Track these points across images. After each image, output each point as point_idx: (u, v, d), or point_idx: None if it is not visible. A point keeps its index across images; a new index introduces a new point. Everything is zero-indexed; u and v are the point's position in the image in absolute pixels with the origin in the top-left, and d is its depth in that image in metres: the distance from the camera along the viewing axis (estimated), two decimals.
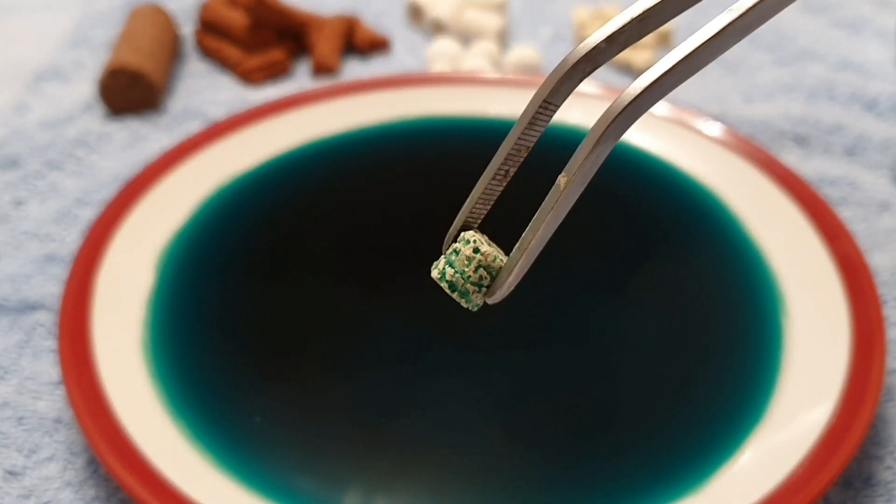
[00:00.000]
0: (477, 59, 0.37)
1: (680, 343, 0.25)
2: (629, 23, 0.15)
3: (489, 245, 0.15)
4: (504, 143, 0.15)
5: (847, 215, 0.30)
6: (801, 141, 0.33)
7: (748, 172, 0.29)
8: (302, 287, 0.27)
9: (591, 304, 0.27)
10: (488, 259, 0.15)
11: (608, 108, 0.14)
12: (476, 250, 0.15)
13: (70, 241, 0.29)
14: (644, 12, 0.15)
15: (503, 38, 0.39)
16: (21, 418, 0.24)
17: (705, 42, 0.14)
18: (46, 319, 0.27)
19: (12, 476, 0.23)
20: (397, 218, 0.30)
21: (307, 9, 0.40)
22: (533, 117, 0.15)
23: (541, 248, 0.15)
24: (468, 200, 0.16)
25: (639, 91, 0.14)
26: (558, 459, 0.22)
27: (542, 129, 0.15)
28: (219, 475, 0.21)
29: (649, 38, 0.38)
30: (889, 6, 0.42)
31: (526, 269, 0.15)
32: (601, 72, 0.37)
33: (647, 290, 0.27)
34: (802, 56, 0.38)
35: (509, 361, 0.25)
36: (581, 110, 0.32)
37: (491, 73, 0.35)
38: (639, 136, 0.32)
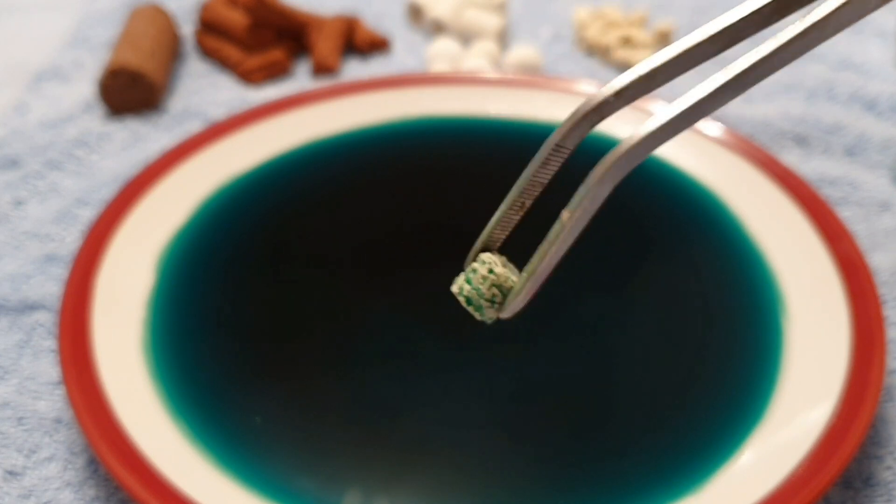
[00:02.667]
0: (477, 59, 0.37)
1: (680, 343, 0.25)
2: (636, 80, 0.17)
3: (504, 267, 0.17)
4: (519, 180, 0.17)
5: (847, 215, 0.30)
6: (801, 141, 0.33)
7: (748, 172, 0.29)
8: (302, 287, 0.27)
9: (590, 303, 0.27)
10: (501, 280, 0.17)
11: (609, 153, 0.16)
12: (491, 271, 0.17)
13: (70, 241, 0.29)
14: (650, 71, 0.17)
15: (503, 38, 0.39)
16: (21, 418, 0.24)
17: (702, 99, 0.16)
18: (46, 319, 0.27)
19: (12, 476, 0.23)
20: (397, 218, 0.30)
21: (307, 9, 0.40)
22: (546, 159, 0.17)
23: (547, 273, 0.17)
24: (487, 227, 0.18)
25: (637, 140, 0.16)
26: (558, 458, 0.22)
27: (555, 169, 0.17)
28: (219, 475, 0.21)
29: (650, 39, 0.38)
30: (889, 6, 0.42)
31: (534, 291, 0.17)
32: (601, 72, 0.37)
33: (647, 291, 0.27)
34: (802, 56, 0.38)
35: (509, 361, 0.25)
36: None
37: (491, 73, 0.35)
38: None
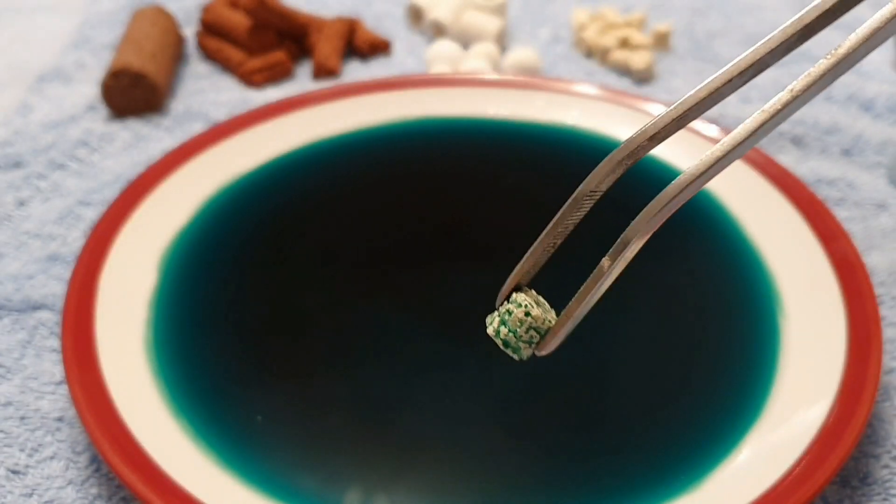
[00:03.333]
0: (476, 60, 0.37)
1: (677, 342, 0.25)
2: (669, 124, 0.17)
3: (538, 307, 0.17)
4: (552, 222, 0.18)
5: (844, 215, 0.30)
6: (798, 141, 0.34)
7: (745, 173, 0.29)
8: (303, 286, 0.27)
9: (593, 306, 0.27)
10: (538, 321, 0.17)
11: (646, 208, 0.17)
12: (527, 314, 0.17)
13: (72, 240, 0.30)
14: (682, 113, 0.17)
15: (502, 40, 0.39)
16: (23, 417, 0.24)
17: (737, 144, 0.17)
18: (49, 319, 0.27)
19: (15, 475, 0.23)
20: (398, 218, 0.30)
21: (308, 10, 0.40)
22: (580, 202, 0.18)
23: (584, 314, 0.17)
24: (519, 265, 0.18)
25: (672, 194, 0.17)
26: (556, 456, 0.23)
27: (587, 210, 0.18)
28: (221, 473, 0.21)
29: (647, 40, 0.38)
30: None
31: (571, 331, 0.18)
32: (600, 73, 0.38)
33: (644, 290, 0.27)
34: (799, 56, 0.38)
35: (509, 359, 0.25)
36: (579, 110, 0.33)
37: (490, 75, 0.35)
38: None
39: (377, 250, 0.28)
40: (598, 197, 0.17)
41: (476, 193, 0.31)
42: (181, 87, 0.37)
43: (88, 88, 0.36)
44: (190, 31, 0.39)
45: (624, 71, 0.38)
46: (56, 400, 0.25)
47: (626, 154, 0.17)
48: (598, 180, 0.17)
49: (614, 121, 0.32)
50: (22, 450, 0.23)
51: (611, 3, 0.42)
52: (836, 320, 0.24)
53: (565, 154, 0.32)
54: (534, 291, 0.18)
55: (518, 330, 0.17)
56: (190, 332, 0.25)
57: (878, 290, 0.27)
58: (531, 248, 0.18)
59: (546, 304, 0.18)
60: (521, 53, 0.37)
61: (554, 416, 0.23)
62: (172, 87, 0.36)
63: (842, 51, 0.16)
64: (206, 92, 0.36)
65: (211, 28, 0.38)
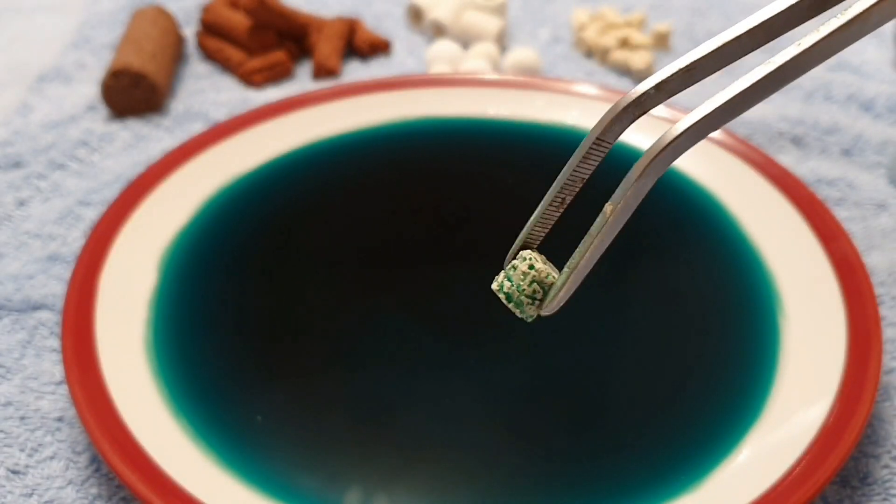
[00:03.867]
0: (476, 60, 0.37)
1: (677, 342, 0.25)
2: (676, 72, 0.16)
3: (544, 263, 0.17)
4: (560, 175, 0.17)
5: (844, 215, 0.30)
6: (798, 141, 0.34)
7: (745, 173, 0.29)
8: (302, 286, 0.27)
9: (588, 303, 0.27)
10: (541, 275, 0.17)
11: (650, 147, 0.16)
12: (531, 267, 0.17)
13: (72, 240, 0.30)
14: (691, 63, 0.16)
15: (502, 40, 0.39)
16: (23, 417, 0.24)
17: (743, 91, 0.16)
18: (49, 319, 0.27)
19: (15, 475, 0.23)
20: (398, 217, 0.30)
21: (308, 10, 0.40)
22: (587, 153, 0.17)
23: (589, 268, 0.17)
24: (527, 224, 0.17)
25: (678, 133, 0.16)
26: (556, 456, 0.23)
27: (596, 164, 0.17)
28: (221, 473, 0.22)
29: (647, 40, 0.38)
30: None
31: (575, 287, 0.17)
32: (599, 73, 0.38)
33: (644, 290, 0.27)
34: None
35: (509, 359, 0.25)
36: (579, 110, 0.33)
37: (490, 75, 0.35)
38: (636, 136, 0.32)
39: (377, 250, 0.29)
40: (606, 149, 0.16)
41: (476, 193, 0.31)
42: (181, 87, 0.37)
43: (88, 88, 0.36)
44: (190, 31, 0.39)
45: (624, 71, 0.38)
46: (56, 400, 0.25)
47: (632, 101, 0.16)
48: (603, 127, 0.16)
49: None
50: (22, 450, 0.23)
51: (611, 3, 0.42)
52: (836, 320, 0.24)
53: (565, 154, 0.32)
54: (544, 255, 0.18)
55: (521, 284, 0.17)
56: (190, 332, 0.25)
57: (878, 290, 0.27)
58: (540, 205, 0.17)
59: (552, 264, 0.17)
60: (521, 53, 0.37)
61: (554, 416, 0.24)
62: (172, 87, 0.36)
63: (852, 12, 0.16)
64: (206, 92, 0.36)
65: (211, 28, 0.38)
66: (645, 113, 0.17)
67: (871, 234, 0.30)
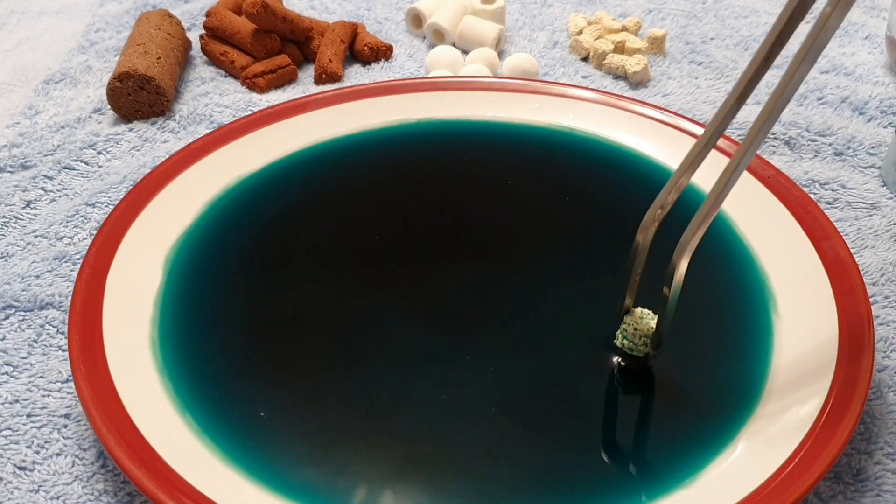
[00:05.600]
0: (475, 64, 0.37)
1: (672, 341, 0.26)
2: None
3: (641, 320, 0.24)
4: (636, 254, 0.24)
5: (837, 216, 0.31)
6: (791, 143, 0.34)
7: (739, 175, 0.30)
8: (306, 285, 0.28)
9: (587, 302, 0.27)
10: (644, 331, 0.24)
11: (683, 235, 0.22)
12: (636, 329, 0.24)
13: (79, 241, 0.30)
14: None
15: (501, 45, 0.40)
16: (31, 414, 0.24)
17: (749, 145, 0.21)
18: (56, 318, 0.27)
19: (22, 471, 0.23)
20: (398, 218, 0.30)
21: (311, 15, 0.41)
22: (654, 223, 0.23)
23: (671, 319, 0.23)
24: (624, 298, 0.24)
25: (701, 217, 0.22)
26: (552, 451, 0.23)
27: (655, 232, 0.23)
28: (226, 468, 0.22)
29: (643, 45, 0.39)
30: (879, 11, 0.43)
31: (667, 328, 0.24)
32: (597, 77, 0.38)
33: (640, 290, 0.27)
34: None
35: (507, 355, 0.25)
36: (576, 112, 0.33)
37: (489, 79, 0.35)
38: (632, 138, 0.32)
39: (379, 249, 0.29)
40: (663, 215, 0.23)
41: (475, 194, 0.31)
42: (186, 90, 0.37)
43: (95, 91, 0.37)
44: (194, 36, 0.40)
45: (620, 74, 0.38)
46: (63, 397, 0.25)
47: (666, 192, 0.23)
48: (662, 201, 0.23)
49: (610, 123, 0.33)
50: (29, 446, 0.24)
51: (607, 9, 0.43)
52: (829, 319, 0.25)
53: (562, 156, 0.32)
54: (639, 309, 0.25)
55: (635, 341, 0.24)
56: (195, 330, 0.25)
57: (870, 290, 0.27)
58: (629, 284, 0.24)
59: (649, 313, 0.24)
60: (519, 58, 0.37)
61: (551, 412, 0.24)
62: (178, 89, 0.37)
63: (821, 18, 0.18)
64: (211, 95, 0.36)
65: (215, 32, 0.39)
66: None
67: (863, 234, 0.30)
